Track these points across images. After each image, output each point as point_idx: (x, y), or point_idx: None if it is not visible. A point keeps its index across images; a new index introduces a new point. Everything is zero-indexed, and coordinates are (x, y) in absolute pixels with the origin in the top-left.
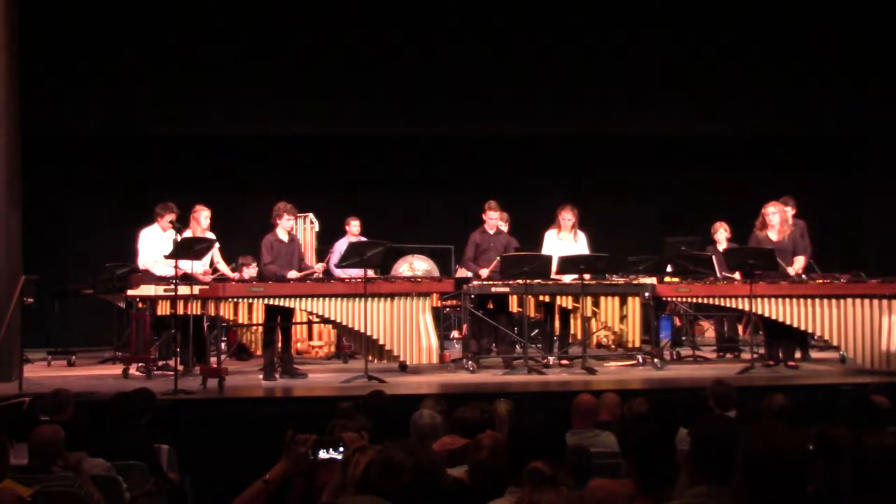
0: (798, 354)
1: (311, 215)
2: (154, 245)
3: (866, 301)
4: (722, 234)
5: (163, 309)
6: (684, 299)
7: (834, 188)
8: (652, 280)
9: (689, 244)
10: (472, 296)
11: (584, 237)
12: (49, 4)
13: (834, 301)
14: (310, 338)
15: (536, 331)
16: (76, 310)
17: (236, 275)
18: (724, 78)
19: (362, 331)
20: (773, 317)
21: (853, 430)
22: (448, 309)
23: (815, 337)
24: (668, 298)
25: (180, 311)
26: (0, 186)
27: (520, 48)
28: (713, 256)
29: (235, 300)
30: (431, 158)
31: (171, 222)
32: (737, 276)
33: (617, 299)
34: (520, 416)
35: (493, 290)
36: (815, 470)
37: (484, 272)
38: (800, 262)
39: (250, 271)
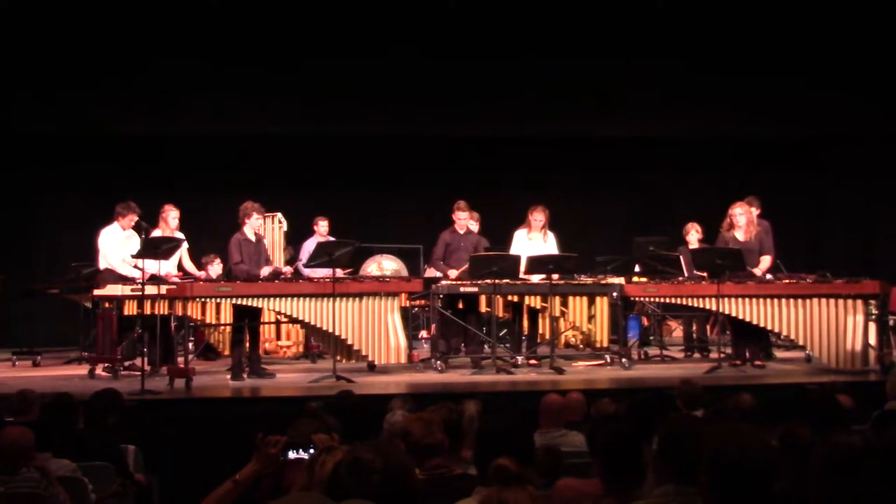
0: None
1: (279, 215)
2: (117, 244)
3: (832, 301)
4: (694, 235)
5: (129, 309)
6: (652, 299)
7: (800, 189)
8: (620, 280)
9: (658, 244)
10: (441, 296)
11: (553, 238)
12: (17, 4)
13: (800, 301)
14: (278, 338)
15: (505, 331)
16: (42, 309)
17: (202, 273)
18: (693, 79)
19: (331, 331)
20: (740, 317)
21: (818, 430)
22: (417, 309)
23: (782, 336)
24: (636, 298)
25: (147, 310)
26: None
27: (491, 50)
28: (681, 256)
29: (203, 300)
30: (400, 158)
31: (137, 222)
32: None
33: (585, 299)
34: (488, 415)
35: (462, 290)
36: (780, 469)
37: (453, 273)
38: (766, 261)
39: (215, 269)
